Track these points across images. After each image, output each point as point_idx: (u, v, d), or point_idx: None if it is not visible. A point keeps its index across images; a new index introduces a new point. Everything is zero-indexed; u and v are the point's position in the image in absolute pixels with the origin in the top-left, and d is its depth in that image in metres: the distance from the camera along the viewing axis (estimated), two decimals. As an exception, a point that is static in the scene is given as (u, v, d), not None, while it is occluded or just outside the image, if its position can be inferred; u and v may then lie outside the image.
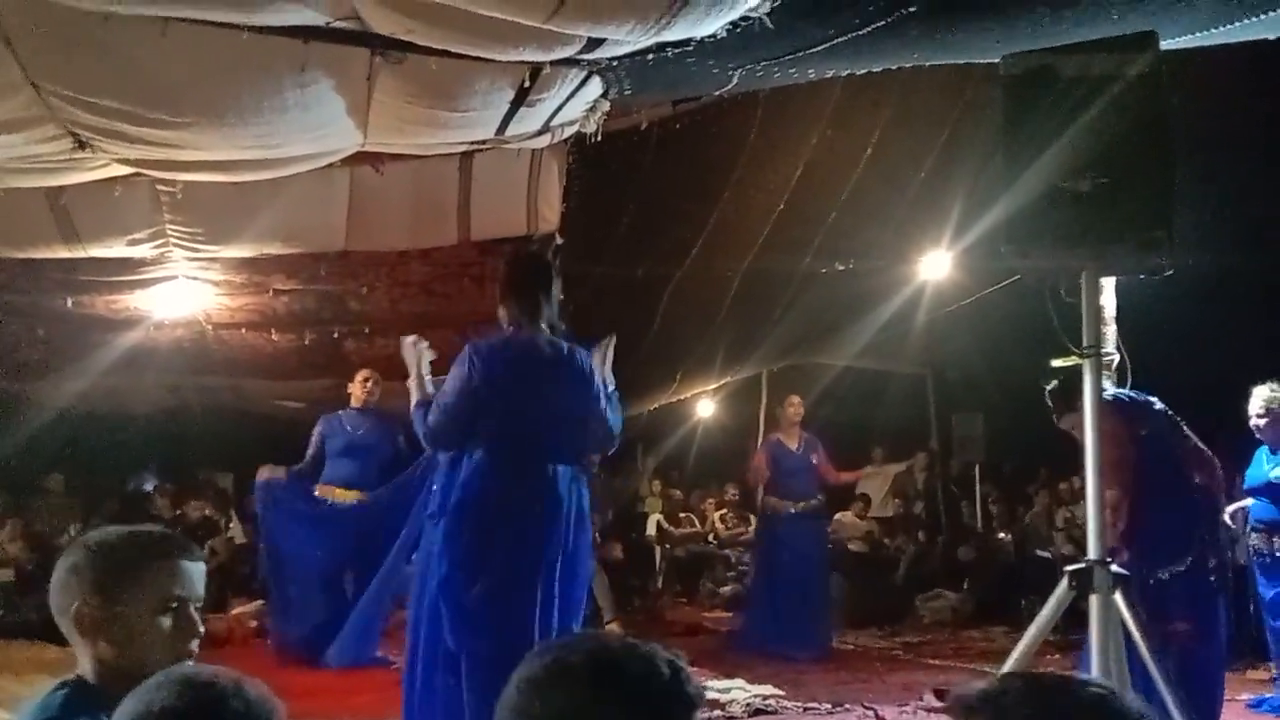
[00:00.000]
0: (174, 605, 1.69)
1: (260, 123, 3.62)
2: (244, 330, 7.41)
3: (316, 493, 6.39)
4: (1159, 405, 4.19)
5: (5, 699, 5.23)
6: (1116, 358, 3.88)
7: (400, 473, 6.29)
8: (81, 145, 3.71)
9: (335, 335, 7.29)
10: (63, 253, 5.83)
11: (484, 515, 3.41)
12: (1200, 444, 4.25)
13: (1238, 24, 3.18)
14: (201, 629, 1.73)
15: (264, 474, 6.41)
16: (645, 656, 1.22)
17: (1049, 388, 4.34)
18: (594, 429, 3.66)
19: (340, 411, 6.57)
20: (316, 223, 5.96)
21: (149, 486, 9.49)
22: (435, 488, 3.60)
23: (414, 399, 3.63)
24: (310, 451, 6.46)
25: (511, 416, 3.45)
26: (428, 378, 3.71)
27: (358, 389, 6.55)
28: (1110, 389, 3.86)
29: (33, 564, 7.41)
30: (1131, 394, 4.09)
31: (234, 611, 7.21)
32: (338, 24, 2.98)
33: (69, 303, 6.80)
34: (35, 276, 6.44)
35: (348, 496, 6.32)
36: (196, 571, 1.74)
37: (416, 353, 3.73)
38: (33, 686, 5.50)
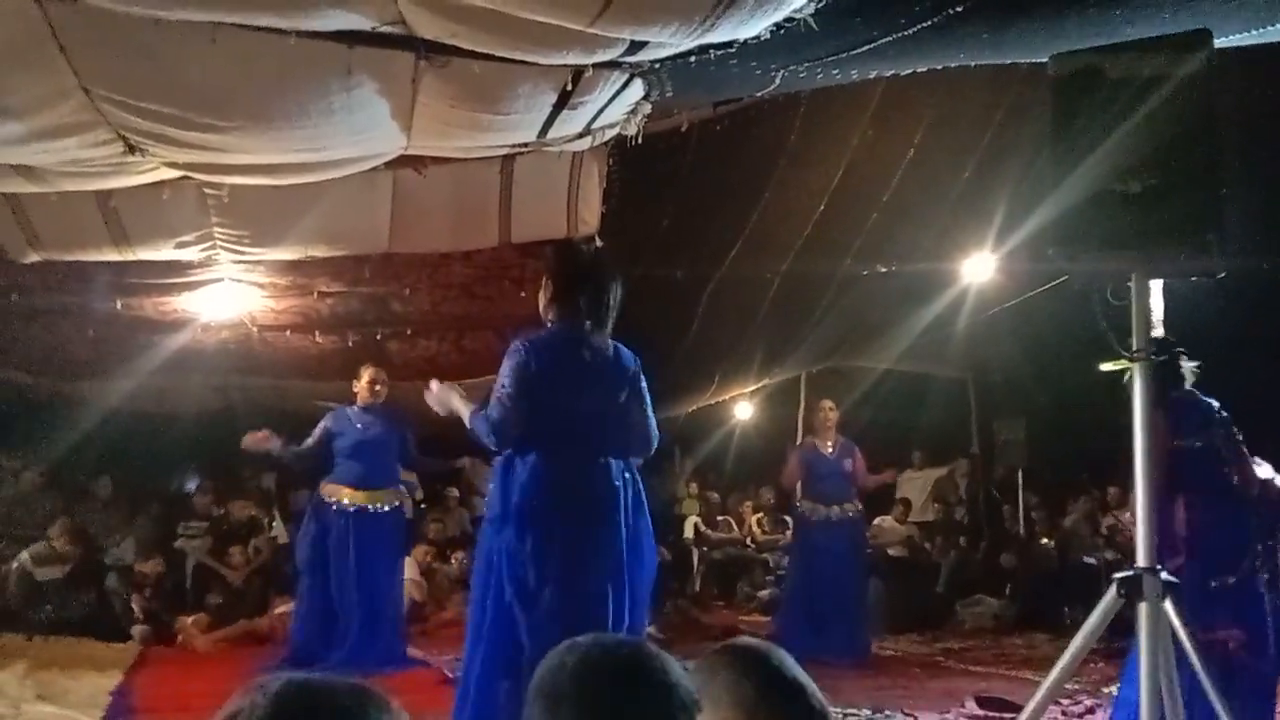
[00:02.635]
0: None
1: (306, 126, 3.66)
2: (288, 332, 7.49)
3: (324, 493, 6.26)
4: (1221, 413, 4.09)
5: (53, 693, 5.31)
6: (1161, 361, 3.80)
7: (406, 470, 6.43)
8: (131, 149, 3.78)
9: (379, 337, 7.34)
10: (112, 255, 5.93)
11: (545, 513, 3.39)
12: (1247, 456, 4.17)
13: (1293, 21, 3.12)
14: None
15: (249, 441, 6.18)
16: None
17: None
18: (634, 430, 3.61)
19: (348, 408, 6.39)
20: (360, 225, 6.01)
21: (192, 486, 9.59)
22: (492, 489, 3.56)
23: (466, 414, 3.52)
24: (311, 440, 6.27)
25: (560, 413, 3.44)
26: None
27: (364, 390, 6.33)
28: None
29: (81, 561, 7.52)
30: (1197, 398, 4.00)
31: (277, 611, 7.25)
32: (383, 28, 3.01)
33: (118, 304, 6.91)
34: (85, 278, 6.57)
35: (357, 498, 6.20)
36: None
37: (446, 392, 3.63)
38: (78, 680, 5.61)
